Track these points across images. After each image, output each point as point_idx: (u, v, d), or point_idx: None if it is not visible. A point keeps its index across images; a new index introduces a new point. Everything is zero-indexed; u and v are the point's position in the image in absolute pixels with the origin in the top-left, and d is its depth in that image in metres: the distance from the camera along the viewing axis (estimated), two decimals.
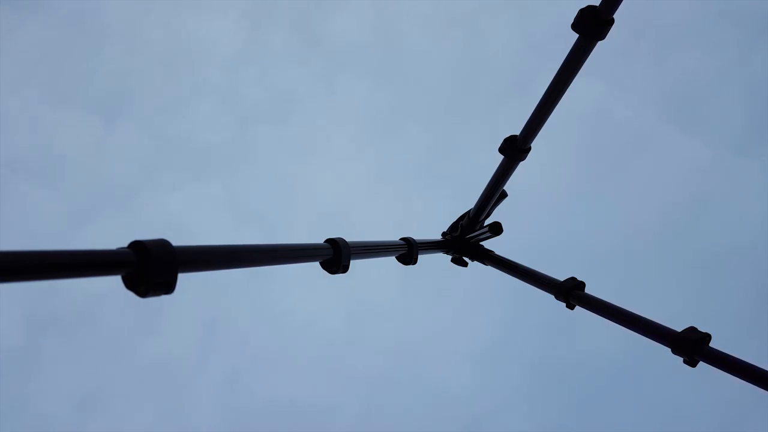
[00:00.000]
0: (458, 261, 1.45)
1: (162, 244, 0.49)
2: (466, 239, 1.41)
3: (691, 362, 0.87)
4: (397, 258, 1.12)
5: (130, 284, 0.49)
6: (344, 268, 0.82)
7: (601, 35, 0.94)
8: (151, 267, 0.48)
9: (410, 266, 1.13)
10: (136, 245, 0.48)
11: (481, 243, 1.43)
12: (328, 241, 0.81)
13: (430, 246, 1.28)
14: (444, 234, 1.45)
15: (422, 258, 1.20)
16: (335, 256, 0.81)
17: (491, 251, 1.41)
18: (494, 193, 1.31)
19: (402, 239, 1.12)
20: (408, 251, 1.12)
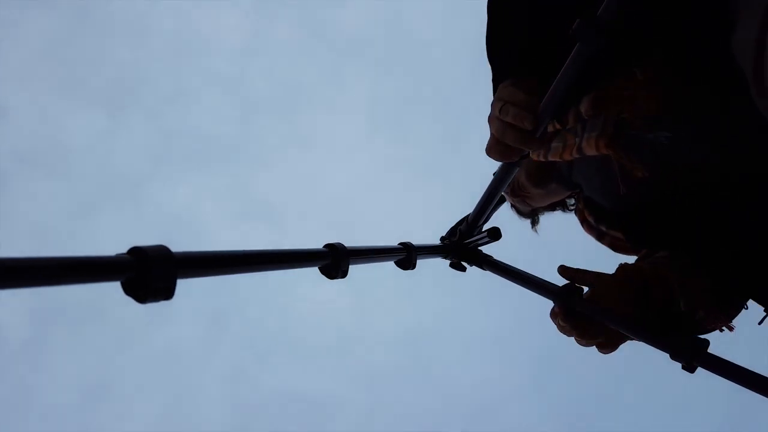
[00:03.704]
0: (457, 266, 1.45)
1: (161, 250, 0.50)
2: (465, 244, 1.41)
3: (690, 368, 0.87)
4: (395, 263, 1.12)
5: (128, 290, 0.49)
6: (343, 273, 0.82)
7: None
8: (150, 273, 0.48)
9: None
10: (135, 251, 0.48)
11: (479, 248, 1.43)
12: (327, 246, 0.82)
13: (429, 251, 1.29)
14: (443, 239, 1.45)
15: (421, 262, 1.20)
16: (334, 261, 0.81)
17: (489, 256, 1.41)
18: (493, 198, 1.31)
19: (401, 244, 1.12)
20: (407, 256, 1.12)
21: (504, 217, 1.52)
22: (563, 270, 1.08)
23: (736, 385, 0.86)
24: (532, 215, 1.43)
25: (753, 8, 0.75)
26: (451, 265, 1.46)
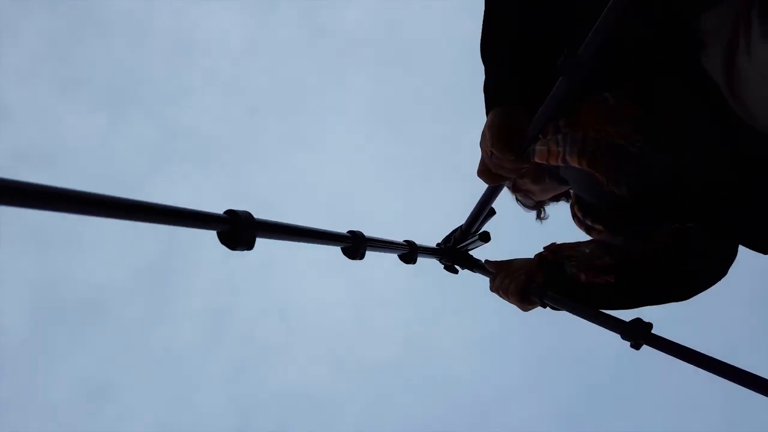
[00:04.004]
0: (450, 269, 1.66)
1: (247, 214, 0.70)
2: (457, 249, 1.61)
3: (636, 346, 1.08)
4: (399, 257, 1.32)
5: (223, 239, 0.69)
6: (361, 256, 1.03)
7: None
8: (240, 227, 0.68)
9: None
10: (230, 212, 0.69)
11: (470, 253, 1.64)
12: (350, 232, 1.02)
13: (428, 251, 1.49)
14: (438, 245, 1.66)
15: (420, 261, 1.40)
16: (355, 244, 1.01)
17: (479, 260, 1.62)
18: (484, 208, 1.52)
19: (405, 241, 1.33)
20: (409, 252, 1.32)
21: (491, 226, 1.72)
22: (487, 263, 1.46)
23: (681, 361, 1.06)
24: (537, 207, 1.51)
25: (720, 30, 0.86)
26: (445, 268, 1.66)
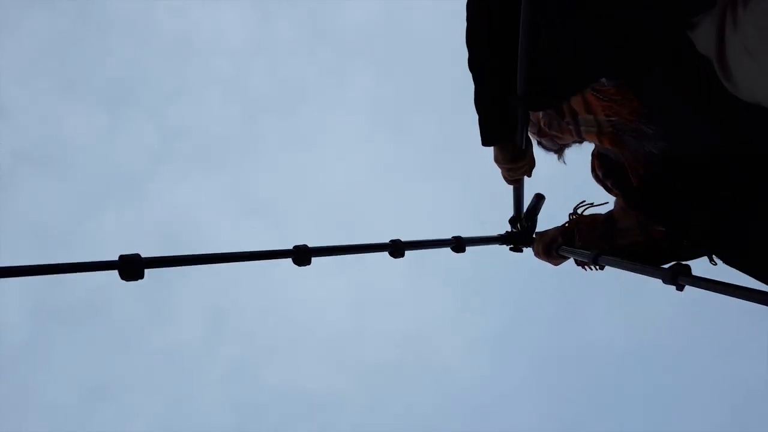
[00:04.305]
0: (515, 249, 2.17)
1: (305, 245, 1.40)
2: (515, 232, 2.13)
3: (601, 268, 1.52)
4: (451, 248, 1.91)
5: (295, 262, 1.39)
6: (402, 255, 1.66)
7: None
8: (301, 254, 1.38)
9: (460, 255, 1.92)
10: (296, 246, 1.39)
11: (528, 233, 2.14)
12: (392, 240, 1.65)
13: (482, 241, 2.04)
14: (500, 234, 2.18)
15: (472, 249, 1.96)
16: (395, 249, 1.65)
17: (534, 236, 2.11)
18: (520, 200, 2.03)
19: (453, 237, 1.91)
20: (458, 244, 1.90)
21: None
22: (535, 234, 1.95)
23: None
24: (559, 150, 1.63)
25: (712, 9, 0.92)
26: (511, 249, 2.17)
